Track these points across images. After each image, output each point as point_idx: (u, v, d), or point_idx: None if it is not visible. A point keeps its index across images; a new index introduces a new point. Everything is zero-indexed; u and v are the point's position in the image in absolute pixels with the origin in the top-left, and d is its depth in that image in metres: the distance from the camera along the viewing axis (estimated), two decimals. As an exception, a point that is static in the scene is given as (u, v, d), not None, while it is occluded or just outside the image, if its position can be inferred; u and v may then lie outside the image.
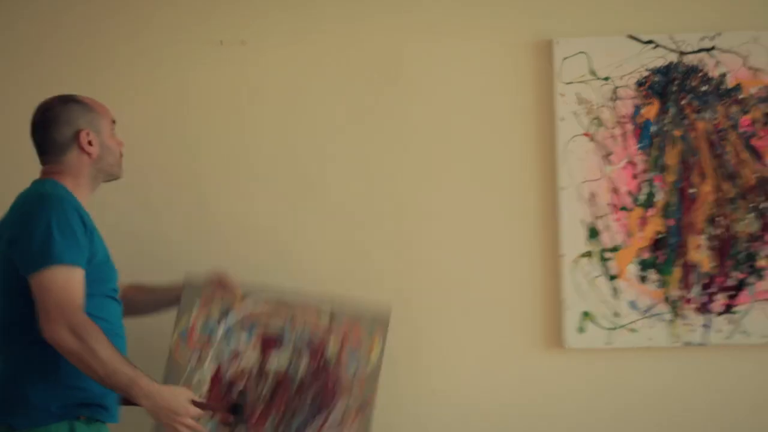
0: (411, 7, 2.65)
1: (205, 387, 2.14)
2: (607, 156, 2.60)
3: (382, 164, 2.64)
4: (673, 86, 2.60)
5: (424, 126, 2.64)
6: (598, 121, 2.60)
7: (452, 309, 2.63)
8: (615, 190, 2.60)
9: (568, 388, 2.62)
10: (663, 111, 2.60)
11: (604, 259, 2.59)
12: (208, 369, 2.16)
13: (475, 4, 2.65)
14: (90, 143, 1.96)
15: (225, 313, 2.20)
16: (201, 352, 2.16)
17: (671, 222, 2.58)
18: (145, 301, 2.25)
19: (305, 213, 2.64)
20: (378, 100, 2.64)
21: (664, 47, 2.60)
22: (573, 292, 2.57)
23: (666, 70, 2.60)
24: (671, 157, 2.59)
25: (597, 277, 2.58)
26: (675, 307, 2.57)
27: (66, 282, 1.74)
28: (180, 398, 1.80)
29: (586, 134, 2.60)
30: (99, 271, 1.89)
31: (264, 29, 2.69)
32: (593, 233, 2.59)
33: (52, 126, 1.95)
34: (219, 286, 2.22)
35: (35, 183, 1.97)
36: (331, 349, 2.24)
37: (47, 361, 1.77)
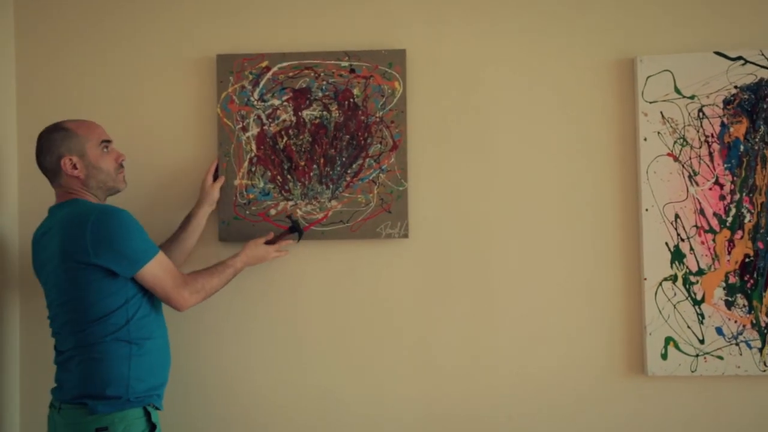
0: (492, 29, 2.62)
1: (253, 144, 2.57)
2: (692, 176, 2.52)
3: (464, 185, 2.60)
4: (763, 104, 2.51)
5: (505, 147, 2.60)
6: (683, 141, 2.53)
7: (532, 333, 2.59)
8: (701, 212, 2.52)
9: (650, 418, 2.55)
10: (753, 129, 2.51)
11: (689, 283, 2.51)
12: (251, 129, 2.57)
13: (556, 23, 2.60)
14: (75, 167, 2.19)
15: (256, 79, 2.57)
16: (243, 116, 2.57)
17: (761, 245, 2.50)
18: (184, 241, 2.51)
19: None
20: (460, 120, 2.60)
21: (754, 63, 2.51)
22: (656, 317, 2.51)
23: (756, 87, 2.51)
24: (761, 178, 2.51)
25: (681, 301, 2.51)
26: (764, 333, 2.48)
27: (164, 263, 2.17)
28: (258, 248, 2.41)
29: (670, 154, 2.53)
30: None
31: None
32: (678, 256, 2.52)
33: (41, 155, 2.22)
34: None
35: (71, 204, 2.17)
36: (357, 92, 2.56)
37: (122, 357, 2.10)
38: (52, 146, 2.19)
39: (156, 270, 2.14)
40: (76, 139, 2.20)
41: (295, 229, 2.48)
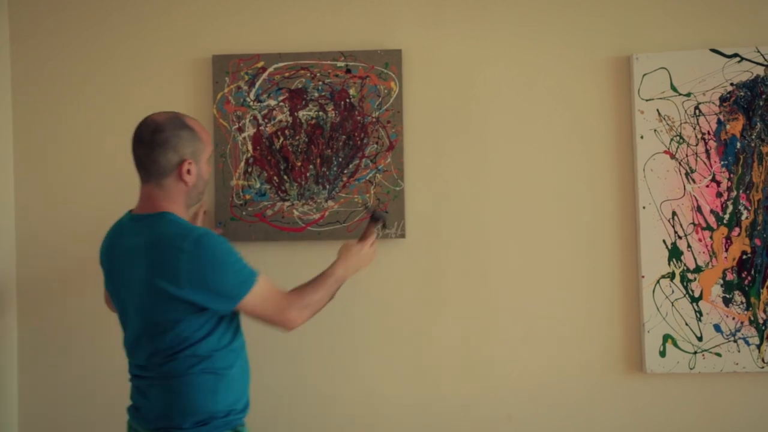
0: (487, 28, 2.61)
1: (249, 145, 2.56)
2: (689, 174, 2.52)
3: (461, 184, 2.60)
4: (759, 101, 2.51)
5: (501, 146, 2.60)
6: (680, 138, 2.53)
7: (529, 332, 2.59)
8: (698, 209, 2.52)
9: (648, 415, 2.56)
10: (749, 126, 2.51)
11: (686, 281, 2.51)
12: (247, 130, 2.56)
13: (551, 21, 2.60)
14: (189, 172, 1.98)
15: (252, 80, 2.55)
16: (239, 116, 2.55)
17: (758, 242, 2.50)
18: None
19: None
20: (457, 120, 2.60)
21: (750, 60, 2.51)
22: (654, 314, 2.51)
23: (752, 84, 2.51)
24: (758, 175, 2.50)
25: (679, 298, 2.51)
26: (762, 330, 2.48)
27: (263, 291, 1.99)
28: (353, 250, 2.25)
29: (666, 152, 2.53)
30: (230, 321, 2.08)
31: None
32: (675, 254, 2.52)
33: (159, 149, 1.95)
34: None
35: (162, 221, 1.96)
36: (353, 92, 2.54)
37: (206, 389, 1.97)
38: (178, 144, 1.96)
39: (256, 301, 1.97)
40: (199, 143, 2.01)
41: (378, 218, 2.35)
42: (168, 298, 1.89)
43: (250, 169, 2.58)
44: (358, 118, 2.57)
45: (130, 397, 2.08)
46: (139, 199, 2.03)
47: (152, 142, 1.95)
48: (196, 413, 1.95)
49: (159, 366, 1.96)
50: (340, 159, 2.57)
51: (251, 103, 2.59)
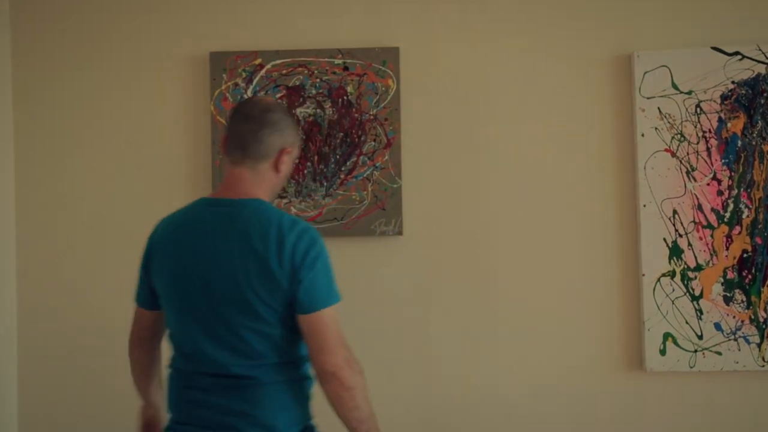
0: (486, 26, 2.60)
1: None
2: (690, 172, 2.51)
3: (459, 182, 2.59)
4: (760, 99, 2.49)
5: (499, 144, 2.59)
6: (681, 137, 2.51)
7: (529, 329, 2.58)
8: (699, 207, 2.50)
9: (648, 413, 2.55)
10: (750, 125, 2.49)
11: (687, 279, 2.50)
12: None
13: (552, 19, 2.59)
14: (284, 162, 1.79)
15: (250, 77, 2.54)
16: None
17: (759, 240, 2.48)
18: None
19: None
20: (454, 117, 2.59)
21: (751, 58, 2.50)
22: (654, 312, 2.50)
23: (753, 83, 2.50)
24: (759, 173, 2.49)
25: (680, 297, 2.50)
26: (763, 329, 2.47)
27: (338, 317, 1.73)
28: None
29: (667, 150, 2.51)
30: None
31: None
32: (676, 252, 2.50)
33: (269, 128, 1.76)
34: None
35: (260, 206, 1.75)
36: (350, 90, 2.53)
37: (290, 390, 1.76)
38: (286, 129, 1.79)
39: (334, 315, 1.71)
40: (297, 136, 1.85)
41: None
42: (273, 283, 1.68)
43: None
44: (356, 115, 2.56)
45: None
46: (222, 183, 1.80)
47: (262, 120, 1.76)
48: (279, 414, 1.75)
49: (274, 367, 1.76)
50: (338, 156, 2.56)
51: (249, 101, 2.58)
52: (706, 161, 2.51)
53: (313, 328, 1.69)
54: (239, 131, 1.77)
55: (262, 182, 1.78)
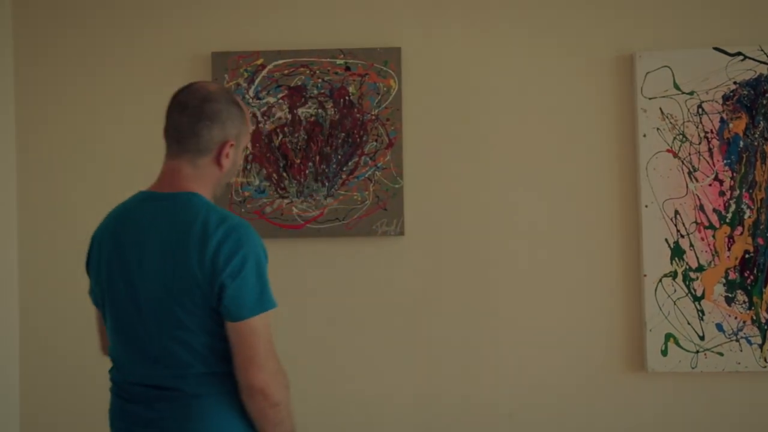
0: (488, 26, 2.60)
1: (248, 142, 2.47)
2: (692, 173, 2.50)
3: (460, 182, 2.59)
4: (762, 99, 2.49)
5: (501, 144, 2.59)
6: (683, 137, 2.51)
7: (531, 330, 2.58)
8: (701, 208, 2.50)
9: (650, 414, 2.54)
10: (752, 125, 2.49)
11: (689, 280, 2.50)
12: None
13: (553, 19, 2.59)
14: (227, 156, 1.66)
15: (252, 77, 2.55)
16: None
17: (761, 241, 2.48)
18: None
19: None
20: (456, 117, 2.59)
21: (753, 59, 2.50)
22: (656, 313, 2.50)
23: (755, 83, 2.50)
24: (761, 173, 2.49)
25: (681, 297, 2.50)
26: (765, 329, 2.47)
27: (269, 327, 1.61)
28: None
29: (669, 150, 2.51)
30: None
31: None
32: (678, 253, 2.50)
33: (207, 122, 1.63)
34: None
35: (192, 200, 1.63)
36: (352, 90, 2.54)
37: (229, 403, 1.63)
38: (227, 121, 1.65)
39: (265, 323, 1.59)
40: (244, 126, 1.71)
41: None
42: (196, 286, 1.57)
43: (249, 166, 2.58)
44: (358, 115, 2.57)
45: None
46: (160, 175, 1.68)
47: (200, 112, 1.63)
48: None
49: (203, 378, 1.65)
50: (339, 156, 2.56)
51: (250, 101, 2.58)
52: (707, 162, 2.51)
53: (240, 338, 1.57)
54: (175, 122, 1.66)
55: (203, 177, 1.66)
